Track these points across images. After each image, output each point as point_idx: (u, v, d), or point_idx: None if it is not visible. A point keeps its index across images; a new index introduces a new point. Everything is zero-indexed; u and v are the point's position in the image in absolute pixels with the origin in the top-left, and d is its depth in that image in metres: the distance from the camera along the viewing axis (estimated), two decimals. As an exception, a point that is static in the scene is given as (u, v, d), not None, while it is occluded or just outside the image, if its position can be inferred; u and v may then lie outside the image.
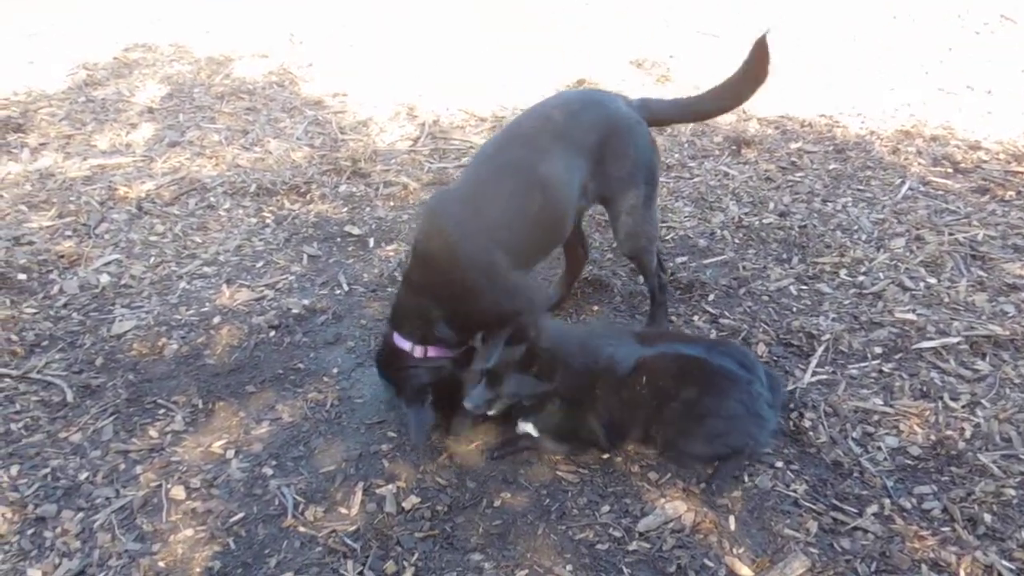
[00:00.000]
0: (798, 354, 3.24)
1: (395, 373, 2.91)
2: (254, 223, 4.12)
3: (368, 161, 4.63)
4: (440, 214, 2.82)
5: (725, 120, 5.08)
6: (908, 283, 3.62)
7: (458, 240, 2.73)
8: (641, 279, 3.68)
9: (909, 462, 2.76)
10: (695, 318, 3.46)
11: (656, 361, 2.71)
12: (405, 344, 2.86)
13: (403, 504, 2.64)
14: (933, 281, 3.63)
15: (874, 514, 2.58)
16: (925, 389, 3.05)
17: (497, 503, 2.65)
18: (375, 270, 3.79)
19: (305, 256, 3.89)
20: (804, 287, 3.64)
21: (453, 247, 2.73)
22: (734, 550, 2.47)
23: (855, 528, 2.54)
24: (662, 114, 3.18)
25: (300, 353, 3.31)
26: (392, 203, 4.30)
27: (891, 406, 2.98)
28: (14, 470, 2.77)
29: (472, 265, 2.74)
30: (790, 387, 3.05)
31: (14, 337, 3.34)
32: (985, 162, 4.57)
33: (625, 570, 2.41)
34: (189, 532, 2.57)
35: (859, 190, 4.35)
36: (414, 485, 2.72)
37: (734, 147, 4.76)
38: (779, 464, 2.75)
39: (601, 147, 2.92)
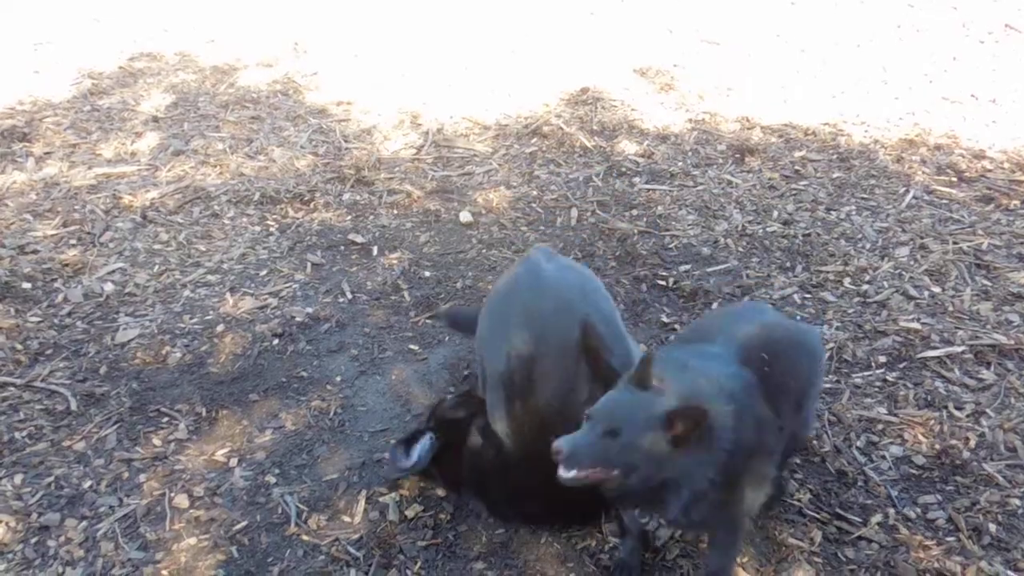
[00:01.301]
0: (802, 363, 3.23)
1: None
2: (258, 231, 4.13)
3: (372, 169, 4.64)
4: None
5: (728, 128, 5.09)
6: (912, 292, 3.61)
7: None
8: (644, 287, 3.68)
9: (914, 471, 2.76)
10: (699, 327, 3.45)
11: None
12: None
13: (406, 512, 2.64)
14: (937, 290, 3.62)
15: (879, 523, 2.57)
16: (929, 398, 3.05)
17: (500, 512, 2.65)
18: (378, 278, 3.79)
19: (309, 264, 3.89)
20: (808, 295, 3.63)
21: None
22: (738, 559, 2.47)
23: (859, 537, 2.53)
24: None
25: (303, 361, 3.31)
26: (396, 211, 4.31)
27: (895, 415, 2.98)
28: (18, 479, 2.77)
29: None
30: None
31: (18, 346, 3.35)
32: (989, 171, 4.56)
33: (628, 580, 2.41)
34: (192, 540, 2.58)
35: (863, 199, 4.35)
36: (417, 493, 2.72)
37: (737, 155, 4.76)
38: (783, 473, 2.74)
39: None
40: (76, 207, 4.25)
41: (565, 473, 1.94)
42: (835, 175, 4.57)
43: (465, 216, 4.24)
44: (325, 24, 6.74)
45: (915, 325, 3.40)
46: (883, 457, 2.81)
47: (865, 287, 3.66)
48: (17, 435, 2.94)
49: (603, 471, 1.94)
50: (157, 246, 4.01)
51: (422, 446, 2.60)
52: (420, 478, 2.75)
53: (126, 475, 2.81)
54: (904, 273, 3.74)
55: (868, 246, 3.95)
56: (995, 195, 4.30)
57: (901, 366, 3.20)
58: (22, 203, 4.29)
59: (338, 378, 3.23)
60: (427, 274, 3.83)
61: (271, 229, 4.15)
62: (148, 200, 4.33)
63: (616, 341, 2.57)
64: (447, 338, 3.44)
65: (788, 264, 3.84)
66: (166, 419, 3.03)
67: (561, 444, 1.93)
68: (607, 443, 1.92)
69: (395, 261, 3.91)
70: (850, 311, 3.52)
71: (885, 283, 3.68)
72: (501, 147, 4.92)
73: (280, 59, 6.12)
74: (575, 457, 1.93)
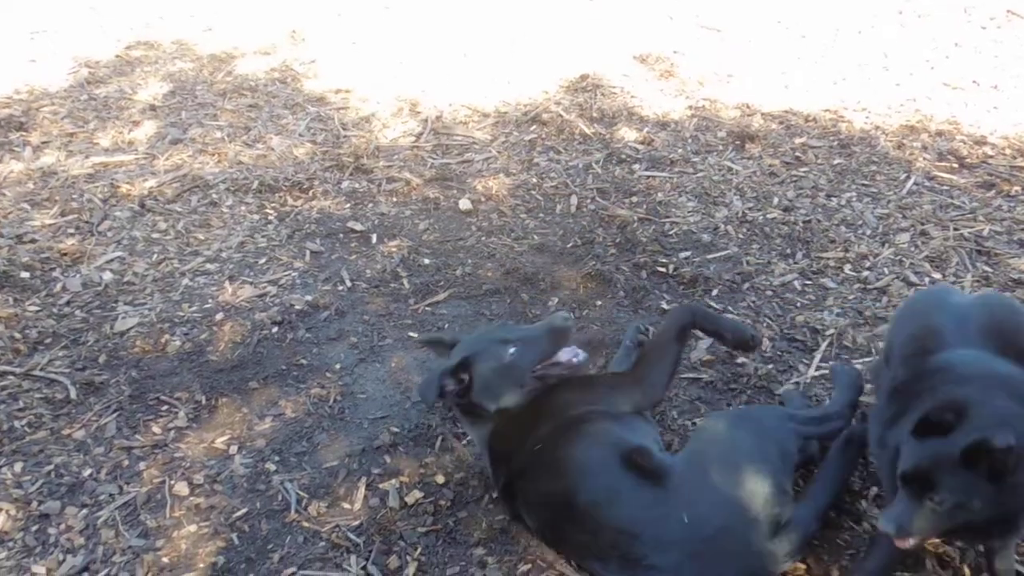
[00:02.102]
0: (802, 349, 3.23)
1: None
2: (256, 220, 4.12)
3: (371, 157, 4.63)
4: None
5: (729, 115, 5.07)
6: (913, 278, 3.60)
7: None
8: (644, 275, 3.67)
9: (914, 457, 2.75)
10: (699, 313, 3.44)
11: None
12: None
13: (406, 499, 2.65)
14: (938, 276, 3.61)
15: (878, 507, 2.56)
16: (930, 384, 3.04)
17: (500, 498, 2.65)
18: (377, 266, 3.79)
19: (308, 252, 3.88)
20: (808, 282, 3.62)
21: None
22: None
23: (858, 521, 2.53)
24: None
25: (303, 349, 3.31)
26: (395, 199, 4.30)
27: (896, 401, 2.96)
28: (18, 467, 2.78)
29: None
30: (794, 381, 3.04)
31: (17, 335, 3.34)
32: (991, 157, 4.54)
33: (629, 565, 2.40)
34: (193, 528, 2.58)
35: (864, 185, 4.33)
36: (417, 480, 2.72)
37: (738, 142, 4.74)
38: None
39: None
40: (74, 196, 4.24)
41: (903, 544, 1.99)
42: (836, 161, 4.55)
43: (464, 204, 4.23)
44: (323, 11, 6.71)
45: (916, 311, 3.39)
46: (883, 443, 2.80)
47: (866, 273, 3.65)
48: (17, 424, 2.94)
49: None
50: (155, 235, 4.00)
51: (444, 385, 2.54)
52: (419, 465, 2.76)
53: (126, 463, 2.81)
54: (905, 259, 3.73)
55: (869, 232, 3.93)
56: (996, 181, 4.29)
57: (901, 352, 3.19)
58: (20, 192, 4.28)
59: (337, 366, 3.23)
60: (426, 261, 3.82)
61: (270, 217, 4.14)
62: (146, 189, 4.32)
63: None
64: (446, 326, 3.43)
65: (788, 251, 3.83)
66: (166, 407, 3.03)
67: (889, 526, 1.94)
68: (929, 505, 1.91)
69: (394, 249, 3.90)
70: (851, 297, 3.51)
71: (886, 269, 3.67)
72: (500, 134, 4.91)
73: (278, 47, 6.10)
74: (905, 530, 1.94)
